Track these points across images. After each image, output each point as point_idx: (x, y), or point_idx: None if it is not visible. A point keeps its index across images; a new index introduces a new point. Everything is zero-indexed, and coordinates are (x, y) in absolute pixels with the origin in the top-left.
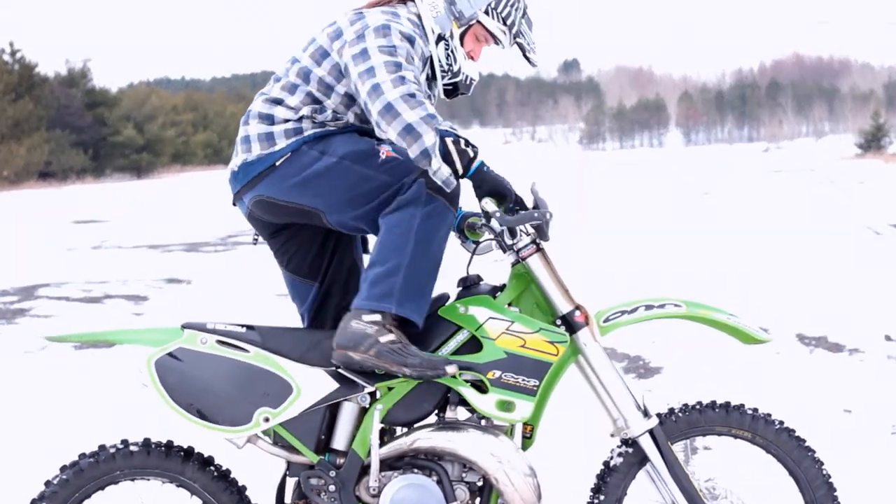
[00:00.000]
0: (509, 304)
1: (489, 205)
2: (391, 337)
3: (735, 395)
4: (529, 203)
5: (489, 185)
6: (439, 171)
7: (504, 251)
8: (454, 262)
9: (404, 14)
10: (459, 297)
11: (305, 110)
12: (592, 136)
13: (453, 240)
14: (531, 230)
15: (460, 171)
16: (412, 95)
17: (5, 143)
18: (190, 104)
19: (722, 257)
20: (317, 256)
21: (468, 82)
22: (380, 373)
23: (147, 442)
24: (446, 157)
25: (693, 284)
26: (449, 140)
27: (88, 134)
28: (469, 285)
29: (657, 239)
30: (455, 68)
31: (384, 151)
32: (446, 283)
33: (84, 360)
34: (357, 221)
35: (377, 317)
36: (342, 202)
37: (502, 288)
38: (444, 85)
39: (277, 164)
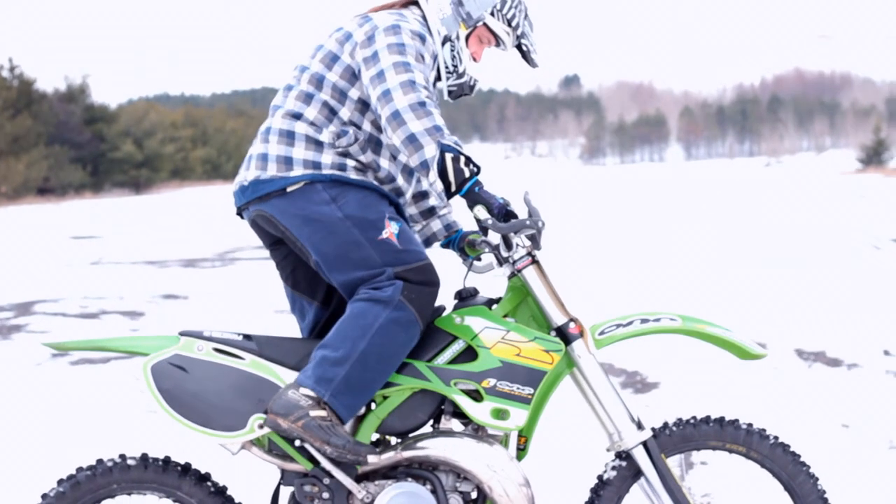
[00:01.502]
0: (505, 316)
1: (481, 212)
2: (322, 413)
3: (733, 409)
4: (523, 214)
5: (480, 203)
6: (435, 184)
7: (500, 264)
8: (452, 276)
9: (411, 16)
10: (456, 308)
11: (326, 136)
12: (593, 152)
13: (452, 255)
14: (526, 242)
15: (453, 188)
16: (422, 104)
17: (4, 158)
18: (189, 120)
19: (721, 271)
20: (316, 274)
21: (472, 83)
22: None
23: (144, 457)
24: (443, 173)
25: (692, 298)
26: (448, 156)
27: (87, 150)
28: (465, 297)
29: (656, 253)
30: (461, 69)
31: (387, 231)
32: (443, 295)
33: (81, 375)
34: (335, 279)
35: (313, 393)
36: (329, 256)
37: (498, 300)
38: (449, 86)
39: (289, 189)
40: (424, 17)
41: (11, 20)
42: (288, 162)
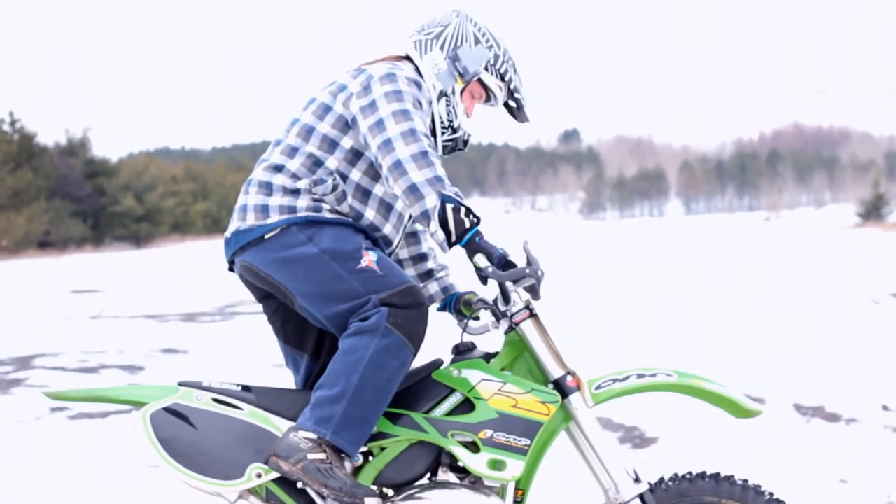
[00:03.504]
0: (502, 370)
1: (481, 261)
2: (321, 455)
3: (731, 464)
4: (522, 264)
5: (480, 252)
6: (436, 234)
7: (498, 319)
8: (449, 332)
9: (405, 66)
10: (453, 362)
11: (303, 183)
12: (593, 206)
13: (446, 317)
14: (524, 295)
15: (453, 239)
16: (424, 154)
17: (5, 212)
18: (189, 174)
19: (720, 325)
20: (305, 327)
21: (466, 138)
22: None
23: None
24: (443, 223)
25: (690, 352)
26: (449, 207)
27: (88, 203)
28: (463, 351)
29: (656, 307)
30: (456, 124)
31: (366, 260)
32: (441, 350)
33: (80, 429)
34: (321, 316)
35: (313, 435)
36: (312, 294)
37: (496, 355)
38: (444, 141)
39: (266, 236)
40: (418, 71)
41: (12, 74)
42: (265, 210)
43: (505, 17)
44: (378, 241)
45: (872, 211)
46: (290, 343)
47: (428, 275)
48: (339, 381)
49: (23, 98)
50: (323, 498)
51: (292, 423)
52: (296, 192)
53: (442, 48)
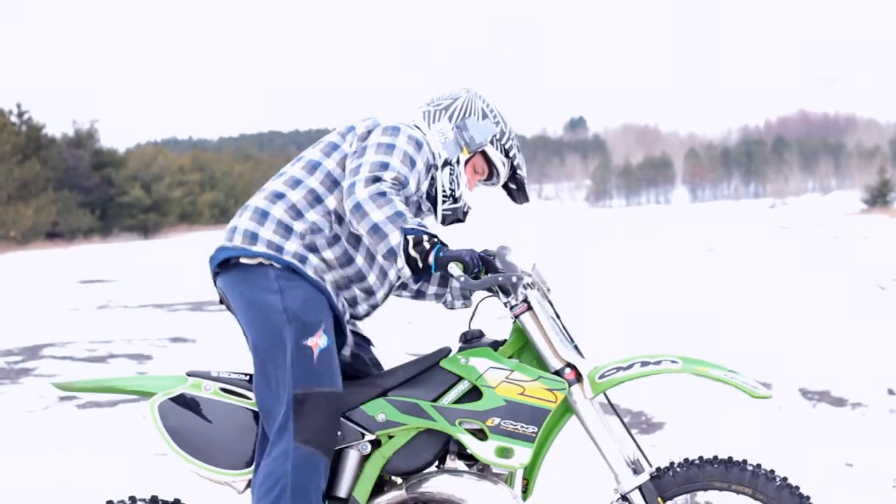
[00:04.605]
0: (510, 357)
1: (455, 269)
2: None
3: (737, 449)
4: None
5: (451, 261)
6: (402, 270)
7: (506, 306)
8: (447, 315)
9: (415, 128)
10: (461, 350)
11: (300, 226)
12: (599, 194)
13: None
14: (522, 290)
15: (422, 266)
16: (382, 194)
17: (13, 203)
18: (197, 164)
19: (726, 312)
20: None
21: (466, 210)
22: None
23: (154, 499)
24: (407, 257)
25: (698, 338)
26: (411, 238)
27: (96, 194)
28: (470, 339)
29: (662, 295)
30: (458, 194)
31: (314, 340)
32: (449, 338)
33: (89, 418)
34: (254, 372)
35: None
36: (259, 349)
37: (503, 342)
38: (444, 210)
39: (243, 260)
40: (425, 136)
41: (20, 66)
42: (253, 237)
43: (513, 3)
44: (342, 322)
45: (878, 197)
46: None
47: (444, 278)
48: None
49: (30, 90)
50: None
51: None
52: (289, 231)
53: (450, 119)
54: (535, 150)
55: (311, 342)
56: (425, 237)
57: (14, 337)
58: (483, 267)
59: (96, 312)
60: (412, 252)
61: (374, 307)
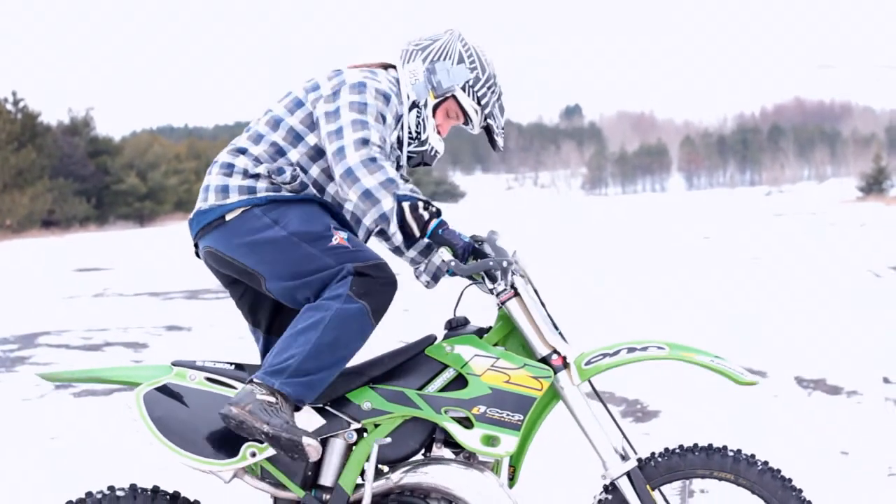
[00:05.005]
0: (495, 345)
1: (445, 254)
2: (270, 399)
3: (733, 437)
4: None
5: (444, 243)
6: (395, 235)
7: (491, 293)
8: (443, 303)
9: (383, 75)
10: (446, 338)
11: (263, 168)
12: (595, 182)
13: (445, 285)
14: (510, 277)
15: (416, 235)
16: (373, 160)
17: (8, 191)
18: (192, 152)
19: (721, 300)
20: (275, 310)
21: (433, 153)
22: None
23: (133, 487)
24: (403, 223)
25: (692, 325)
26: (406, 205)
27: (91, 182)
28: (456, 326)
29: (657, 282)
30: (423, 137)
31: (337, 237)
32: (434, 324)
33: (84, 407)
34: (294, 293)
35: (266, 385)
36: (283, 274)
37: (489, 329)
38: (409, 152)
39: (227, 217)
40: (398, 80)
41: (15, 54)
42: (224, 190)
43: None
44: (345, 218)
45: (874, 185)
46: (260, 326)
47: (429, 248)
48: (297, 338)
49: (26, 77)
50: (263, 435)
51: None
52: (255, 176)
53: (424, 60)
54: (531, 138)
55: (335, 241)
56: (421, 204)
57: (9, 325)
58: (472, 256)
59: (92, 301)
60: (409, 219)
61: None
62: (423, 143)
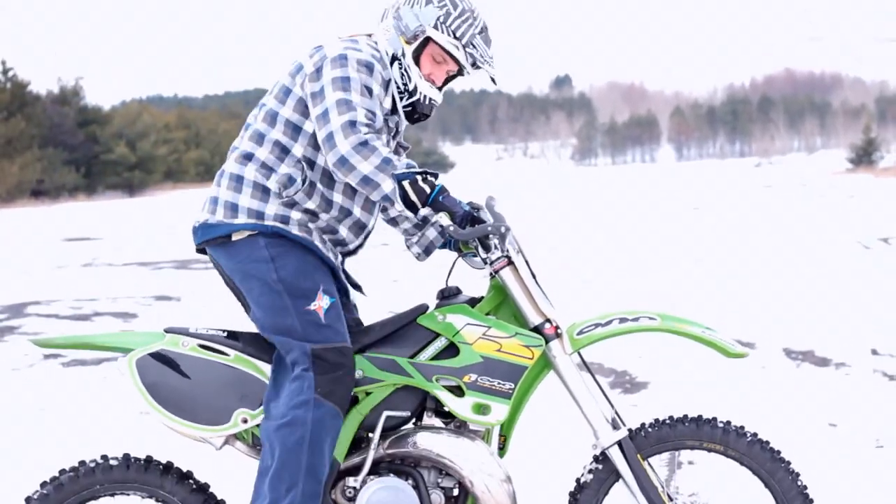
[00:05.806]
0: (487, 314)
1: (444, 219)
2: None
3: (721, 409)
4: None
5: (444, 209)
6: (403, 212)
7: (485, 263)
8: (436, 272)
9: (364, 44)
10: (438, 307)
11: (273, 184)
12: (584, 152)
13: (437, 257)
14: (506, 244)
15: (419, 207)
16: (364, 143)
17: None
18: (182, 122)
19: (711, 271)
20: None
21: (427, 102)
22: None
23: (126, 456)
24: (406, 199)
25: (681, 297)
26: (406, 183)
27: (81, 152)
28: (448, 296)
29: (647, 253)
30: (410, 87)
31: (317, 304)
32: (426, 294)
33: (73, 375)
34: (263, 333)
35: None
36: (260, 315)
37: (481, 299)
38: (404, 107)
39: (234, 237)
40: (377, 43)
41: (4, 23)
42: (234, 209)
43: None
44: (338, 273)
45: (863, 156)
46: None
47: (424, 221)
48: (286, 466)
49: (15, 46)
50: None
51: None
52: (266, 193)
53: (393, 12)
54: (521, 108)
55: (313, 306)
56: (420, 178)
57: None
58: (469, 223)
59: (81, 270)
60: (411, 196)
61: (367, 236)
62: (412, 94)
